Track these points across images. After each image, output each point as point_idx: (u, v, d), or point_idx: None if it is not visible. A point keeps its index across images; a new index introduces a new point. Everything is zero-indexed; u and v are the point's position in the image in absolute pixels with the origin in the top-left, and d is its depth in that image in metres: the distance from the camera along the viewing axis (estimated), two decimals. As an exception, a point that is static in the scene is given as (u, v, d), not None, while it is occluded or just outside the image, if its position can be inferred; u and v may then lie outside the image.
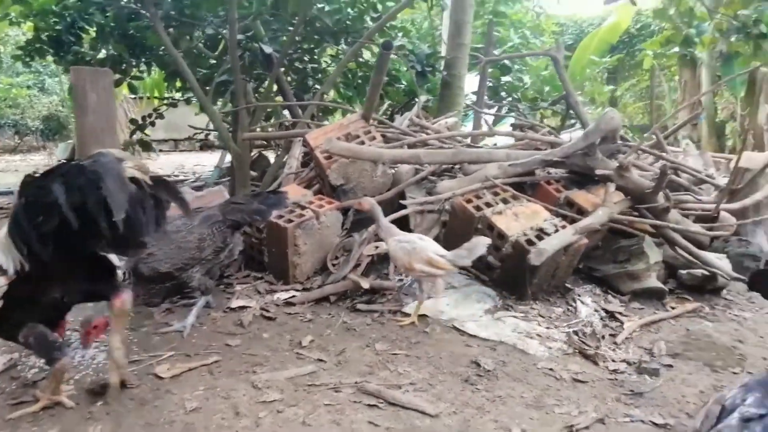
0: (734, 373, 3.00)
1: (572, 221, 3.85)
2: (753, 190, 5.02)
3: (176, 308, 3.62)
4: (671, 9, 9.33)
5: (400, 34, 8.28)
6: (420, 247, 3.30)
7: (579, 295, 3.83)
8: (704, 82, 11.73)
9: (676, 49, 10.36)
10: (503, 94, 9.13)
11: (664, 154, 5.15)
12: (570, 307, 3.71)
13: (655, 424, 2.48)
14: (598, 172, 4.10)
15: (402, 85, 7.99)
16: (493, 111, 8.49)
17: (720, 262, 4.13)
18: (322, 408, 2.48)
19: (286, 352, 3.04)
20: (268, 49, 6.67)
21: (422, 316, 3.43)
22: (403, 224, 3.93)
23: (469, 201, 3.90)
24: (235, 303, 3.64)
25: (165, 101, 8.85)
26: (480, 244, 3.27)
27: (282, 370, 2.81)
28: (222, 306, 3.62)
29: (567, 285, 3.93)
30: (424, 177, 4.66)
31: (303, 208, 4.02)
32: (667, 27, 10.19)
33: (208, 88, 6.97)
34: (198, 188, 6.77)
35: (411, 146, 4.99)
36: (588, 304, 3.71)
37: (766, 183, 4.86)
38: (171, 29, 6.78)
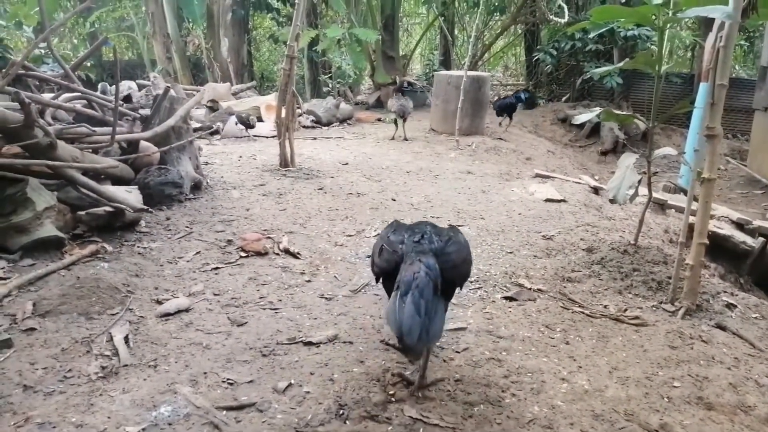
0: (112, 314, 2.81)
1: None
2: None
3: None
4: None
5: None
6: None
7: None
8: (167, 13, 11.76)
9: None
10: None
11: (74, 85, 4.61)
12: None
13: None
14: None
15: None
16: None
17: (129, 195, 3.95)
18: None
19: None
20: None
21: None
22: None
23: None
24: None
25: None
26: None
27: None
28: None
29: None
30: None
31: None
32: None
33: None
34: None
35: None
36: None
37: (180, 109, 4.90)
38: None
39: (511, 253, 3.89)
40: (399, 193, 5.31)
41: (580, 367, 2.53)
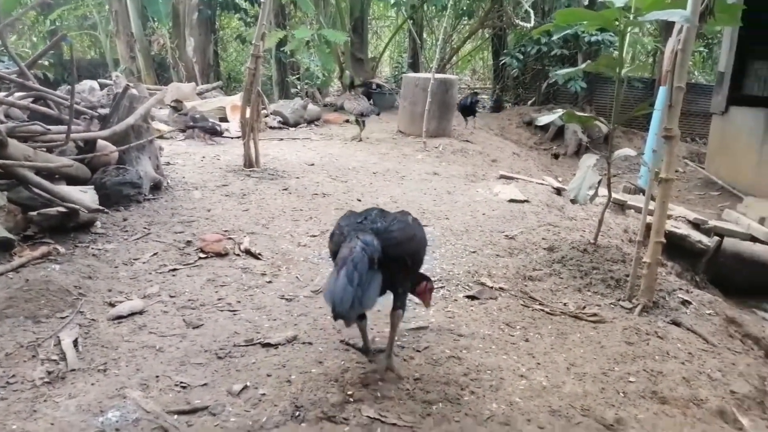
0: (62, 318, 2.70)
1: None
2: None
3: None
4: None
5: None
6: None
7: None
8: (131, 12, 11.51)
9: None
10: None
11: (29, 82, 4.45)
12: None
13: None
14: None
15: None
16: None
17: (84, 195, 3.82)
18: None
19: None
20: None
21: None
22: None
23: None
24: None
25: None
26: None
27: None
28: None
29: None
30: None
31: None
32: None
33: None
34: None
35: None
36: None
37: (140, 108, 4.77)
38: None
39: (474, 252, 3.90)
40: (365, 194, 5.29)
41: (539, 363, 2.54)
